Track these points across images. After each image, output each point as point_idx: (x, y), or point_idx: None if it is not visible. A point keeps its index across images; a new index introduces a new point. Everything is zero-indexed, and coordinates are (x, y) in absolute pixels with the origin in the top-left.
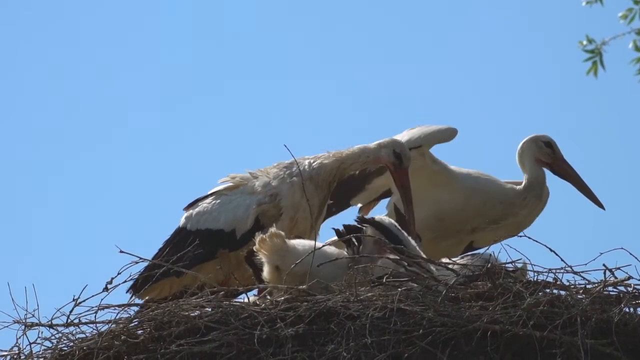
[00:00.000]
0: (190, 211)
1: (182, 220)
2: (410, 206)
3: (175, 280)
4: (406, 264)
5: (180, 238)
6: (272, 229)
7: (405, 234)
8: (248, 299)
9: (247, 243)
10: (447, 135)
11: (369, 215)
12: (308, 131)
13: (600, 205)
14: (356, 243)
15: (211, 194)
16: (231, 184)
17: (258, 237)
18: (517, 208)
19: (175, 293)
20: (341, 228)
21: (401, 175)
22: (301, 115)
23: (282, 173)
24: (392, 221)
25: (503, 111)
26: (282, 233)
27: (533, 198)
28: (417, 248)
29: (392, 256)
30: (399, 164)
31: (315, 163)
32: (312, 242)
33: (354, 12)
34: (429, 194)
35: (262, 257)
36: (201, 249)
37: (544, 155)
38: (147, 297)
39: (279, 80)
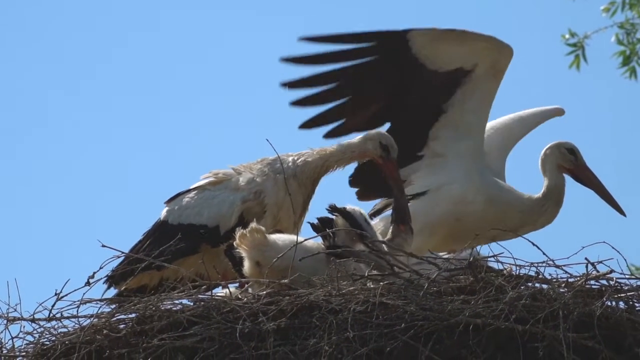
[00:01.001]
0: (172, 205)
1: (164, 214)
2: (403, 197)
3: (156, 273)
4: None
5: (161, 231)
6: (253, 224)
7: (373, 229)
8: (229, 291)
9: (230, 239)
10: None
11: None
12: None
13: (622, 212)
14: (332, 235)
15: (194, 189)
16: (214, 179)
17: (239, 232)
18: (536, 216)
19: (155, 285)
20: (317, 222)
21: (390, 167)
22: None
23: (266, 169)
24: (364, 213)
25: None
26: (263, 228)
27: (552, 205)
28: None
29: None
30: (386, 155)
31: (300, 160)
32: (292, 237)
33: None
34: (453, 164)
35: (243, 252)
36: (183, 243)
37: (567, 162)
38: (127, 286)
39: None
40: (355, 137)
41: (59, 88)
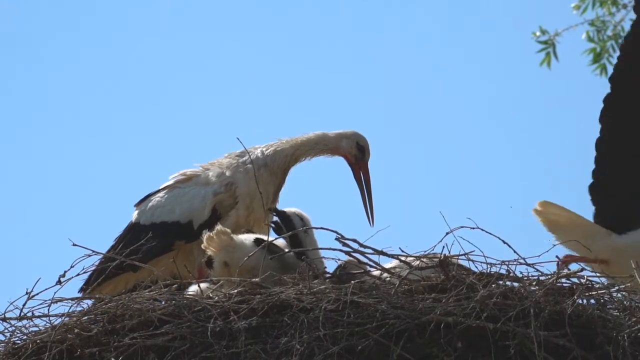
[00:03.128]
0: (142, 206)
1: (135, 216)
2: (370, 199)
3: (132, 276)
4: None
5: (133, 233)
6: (218, 227)
7: (312, 234)
8: (200, 289)
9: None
10: None
11: None
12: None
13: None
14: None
15: (163, 188)
16: (183, 177)
17: (205, 235)
18: None
19: (131, 290)
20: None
21: (361, 168)
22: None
23: (235, 162)
24: (304, 217)
25: (457, 102)
26: (229, 230)
27: None
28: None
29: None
30: (360, 157)
31: (269, 150)
32: (260, 236)
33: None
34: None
35: (211, 254)
36: (157, 242)
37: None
38: (101, 293)
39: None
40: (331, 132)
41: (35, 86)
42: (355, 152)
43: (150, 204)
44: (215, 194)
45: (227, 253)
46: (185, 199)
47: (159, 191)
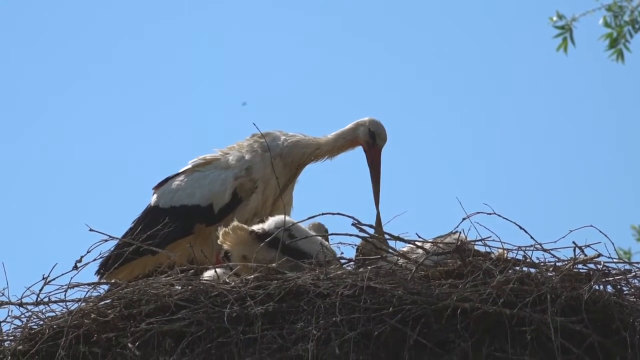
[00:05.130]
0: (162, 190)
1: (154, 199)
2: (377, 185)
3: (150, 259)
4: None
5: (152, 216)
6: (234, 222)
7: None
8: (217, 274)
9: (225, 217)
10: None
11: None
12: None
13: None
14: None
15: (183, 172)
16: (203, 161)
17: (221, 231)
18: None
19: (150, 273)
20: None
21: (373, 154)
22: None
23: (255, 146)
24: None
25: (473, 88)
26: (244, 225)
27: None
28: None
29: None
30: (372, 142)
31: (289, 142)
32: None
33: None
34: None
35: (228, 249)
36: (176, 225)
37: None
38: (118, 277)
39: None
40: (348, 125)
41: (53, 83)
42: (367, 138)
43: (169, 187)
44: (236, 178)
45: (245, 247)
46: (206, 183)
47: (178, 175)
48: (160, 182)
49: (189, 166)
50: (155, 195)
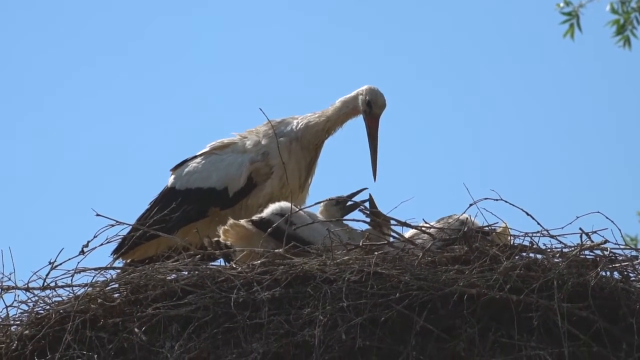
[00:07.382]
0: (179, 172)
1: (171, 180)
2: (374, 154)
3: (163, 240)
4: None
5: (168, 198)
6: (230, 220)
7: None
8: (225, 260)
9: (239, 201)
10: None
11: None
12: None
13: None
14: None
15: (200, 154)
16: (220, 144)
17: (220, 229)
18: None
19: (156, 255)
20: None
21: (370, 122)
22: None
23: (271, 132)
24: (284, 210)
25: (480, 74)
26: (240, 221)
27: None
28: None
29: None
30: (368, 111)
31: (302, 124)
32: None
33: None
34: None
35: (232, 244)
36: (191, 207)
37: None
38: (133, 257)
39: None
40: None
41: (58, 72)
42: (365, 107)
43: (186, 169)
44: (252, 162)
45: (247, 242)
46: (222, 166)
47: (195, 157)
48: (178, 164)
49: (207, 149)
50: (172, 177)
